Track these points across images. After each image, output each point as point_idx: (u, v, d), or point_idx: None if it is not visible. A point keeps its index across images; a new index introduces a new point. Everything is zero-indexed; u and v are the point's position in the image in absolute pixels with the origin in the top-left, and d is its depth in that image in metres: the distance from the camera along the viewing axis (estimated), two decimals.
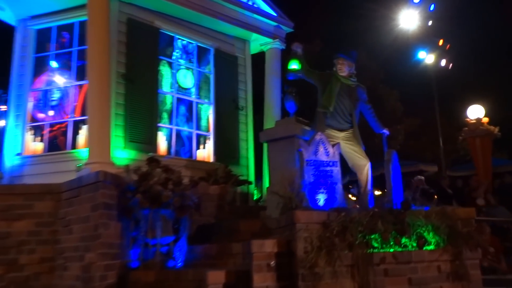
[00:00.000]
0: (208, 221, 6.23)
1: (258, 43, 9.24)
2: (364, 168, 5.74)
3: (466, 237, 4.48)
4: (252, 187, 8.42)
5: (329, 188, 5.01)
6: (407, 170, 13.67)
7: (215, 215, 6.51)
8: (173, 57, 8.21)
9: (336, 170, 5.12)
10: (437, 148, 18.50)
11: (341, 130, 5.86)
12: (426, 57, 17.26)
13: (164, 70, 8.04)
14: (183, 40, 8.37)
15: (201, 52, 8.60)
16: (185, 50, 8.41)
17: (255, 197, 8.49)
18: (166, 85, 8.02)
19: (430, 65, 17.37)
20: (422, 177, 10.07)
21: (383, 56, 21.49)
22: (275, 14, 9.06)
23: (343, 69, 5.94)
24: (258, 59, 9.63)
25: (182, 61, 8.32)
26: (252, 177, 8.56)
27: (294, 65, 5.87)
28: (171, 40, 8.21)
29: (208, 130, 8.39)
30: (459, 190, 10.14)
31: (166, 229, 5.08)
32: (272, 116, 8.49)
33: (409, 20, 16.98)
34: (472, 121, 10.39)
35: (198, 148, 8.18)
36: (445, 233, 4.46)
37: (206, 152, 8.20)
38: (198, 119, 8.36)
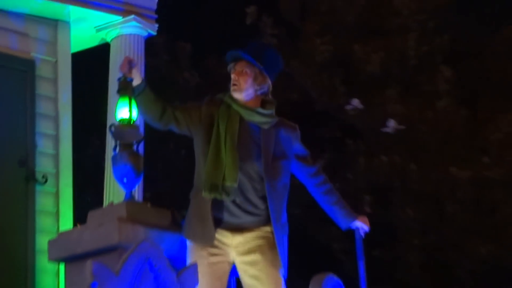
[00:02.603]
0: None
1: (90, 25, 8.91)
2: None
3: None
4: None
5: None
6: None
7: None
8: None
9: None
10: None
11: (236, 231, 5.24)
12: None
13: None
14: None
15: None
16: None
17: None
18: None
19: None
20: None
21: None
22: None
23: (243, 86, 5.24)
24: (93, 59, 9.65)
25: None
26: None
27: (123, 108, 5.35)
28: None
29: None
30: None
31: None
32: (120, 192, 8.02)
33: None
34: None
35: None
36: None
37: None
38: None
